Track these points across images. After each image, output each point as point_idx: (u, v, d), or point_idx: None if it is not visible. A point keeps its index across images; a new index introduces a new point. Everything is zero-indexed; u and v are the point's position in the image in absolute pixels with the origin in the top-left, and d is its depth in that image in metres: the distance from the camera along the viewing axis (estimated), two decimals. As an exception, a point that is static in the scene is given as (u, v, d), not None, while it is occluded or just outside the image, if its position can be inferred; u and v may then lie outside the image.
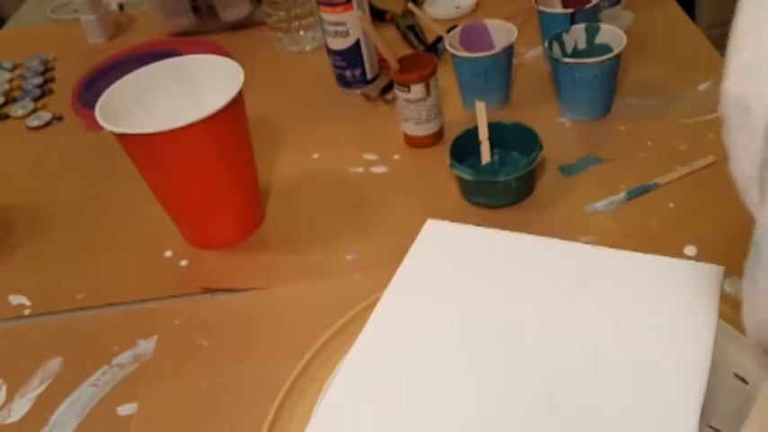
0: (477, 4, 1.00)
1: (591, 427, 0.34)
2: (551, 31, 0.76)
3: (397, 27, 0.97)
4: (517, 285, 0.42)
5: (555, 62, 0.72)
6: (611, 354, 0.37)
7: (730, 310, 0.49)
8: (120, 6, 1.20)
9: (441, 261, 0.44)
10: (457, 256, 0.44)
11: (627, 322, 0.39)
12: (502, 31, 0.78)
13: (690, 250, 0.58)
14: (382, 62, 0.87)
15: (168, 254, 0.68)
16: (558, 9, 0.80)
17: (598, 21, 0.78)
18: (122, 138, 0.58)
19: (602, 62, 0.69)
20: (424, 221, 0.66)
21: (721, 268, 0.41)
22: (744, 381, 0.46)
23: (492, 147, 0.67)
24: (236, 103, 0.60)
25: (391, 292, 0.43)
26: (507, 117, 0.70)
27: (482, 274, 0.43)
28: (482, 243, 0.45)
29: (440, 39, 0.89)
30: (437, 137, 0.75)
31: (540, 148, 0.65)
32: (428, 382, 0.37)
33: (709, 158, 0.67)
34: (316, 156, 0.78)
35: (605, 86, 0.72)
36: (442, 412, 0.36)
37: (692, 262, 0.42)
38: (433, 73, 0.71)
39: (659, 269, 0.41)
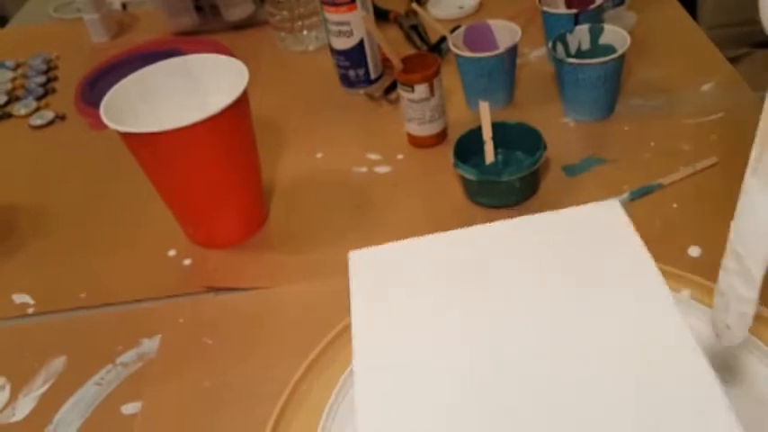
0: (481, 5, 1.00)
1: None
2: (555, 31, 0.76)
3: (401, 27, 0.97)
4: (472, 279, 0.42)
5: (559, 62, 0.72)
6: (587, 318, 0.38)
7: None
8: (123, 5, 1.20)
9: (387, 284, 0.43)
10: (398, 274, 0.44)
11: (582, 282, 0.40)
12: (505, 32, 0.78)
13: (694, 251, 0.58)
14: (386, 62, 0.87)
15: (172, 253, 0.68)
16: (562, 10, 0.80)
17: (602, 21, 0.79)
18: (127, 137, 0.59)
19: (605, 63, 0.69)
20: (427, 221, 0.66)
21: (616, 201, 0.45)
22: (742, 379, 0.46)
23: (496, 147, 0.67)
24: (241, 103, 0.60)
25: (357, 333, 0.41)
26: (511, 117, 0.70)
27: (434, 282, 0.42)
28: (413, 254, 0.45)
29: (443, 39, 0.89)
30: (441, 137, 0.75)
31: (544, 148, 0.65)
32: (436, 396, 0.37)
33: (713, 159, 0.67)
34: (319, 155, 0.78)
35: (609, 87, 0.72)
36: (458, 413, 0.36)
37: (591, 204, 0.46)
38: (437, 73, 0.71)
39: (573, 220, 0.44)
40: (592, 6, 0.78)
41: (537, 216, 0.45)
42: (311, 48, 0.98)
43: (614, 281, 0.40)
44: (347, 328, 0.53)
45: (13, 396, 0.57)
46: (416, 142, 0.76)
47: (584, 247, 0.43)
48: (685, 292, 0.51)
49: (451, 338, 0.39)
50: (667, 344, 0.36)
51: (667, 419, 0.33)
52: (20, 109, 0.95)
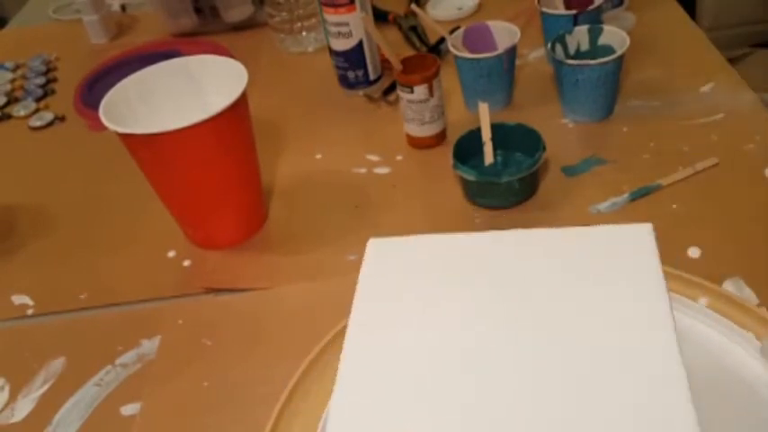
0: (480, 6, 1.00)
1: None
2: (554, 32, 0.76)
3: (400, 28, 0.98)
4: (480, 283, 0.42)
5: (558, 63, 0.72)
6: (582, 333, 0.38)
7: (730, 309, 0.49)
8: (123, 7, 1.21)
9: (397, 277, 0.43)
10: (411, 268, 0.44)
11: (586, 298, 0.39)
12: (504, 33, 0.78)
13: (693, 251, 0.58)
14: (385, 63, 0.87)
15: (171, 254, 0.68)
16: (561, 10, 0.81)
17: (601, 22, 0.79)
18: (126, 138, 0.59)
19: (604, 64, 0.69)
20: (426, 222, 0.66)
21: (649, 225, 0.43)
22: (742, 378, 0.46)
23: (495, 148, 0.67)
24: (240, 104, 0.60)
25: (355, 320, 0.41)
26: (510, 118, 0.70)
27: (442, 281, 0.42)
28: (431, 250, 0.45)
29: (442, 40, 0.89)
30: (440, 138, 0.75)
31: (543, 149, 0.65)
32: (423, 394, 0.37)
33: (712, 160, 0.67)
34: (318, 156, 0.78)
35: (608, 88, 0.72)
36: (443, 414, 0.36)
37: (622, 225, 0.43)
38: (436, 74, 0.71)
39: (597, 239, 0.43)
40: (591, 7, 0.78)
41: (564, 230, 0.44)
42: (310, 49, 0.98)
43: (620, 304, 0.39)
44: (346, 328, 0.53)
45: (13, 397, 0.57)
46: (416, 143, 0.76)
47: (602, 267, 0.41)
48: (702, 301, 0.51)
49: (444, 338, 0.39)
50: (653, 372, 0.35)
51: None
52: (19, 110, 0.95)
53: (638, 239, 0.42)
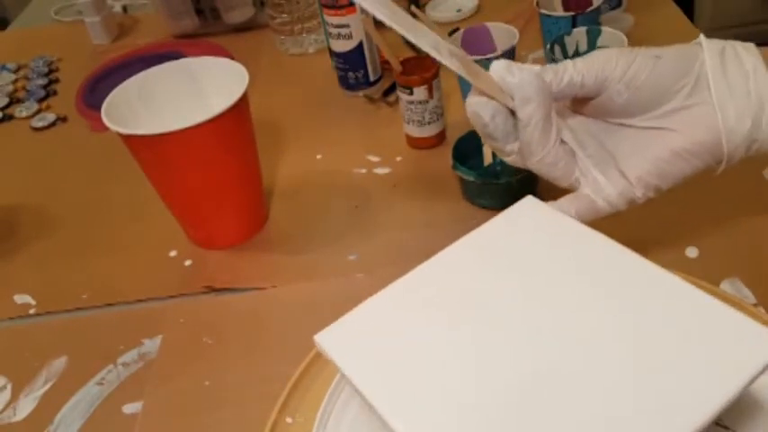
0: (479, 7, 1.01)
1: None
2: (553, 34, 0.76)
3: (400, 29, 0.98)
4: (568, 282, 0.41)
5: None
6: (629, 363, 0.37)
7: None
8: (124, 8, 1.21)
9: (514, 235, 0.45)
10: (533, 237, 0.45)
11: (660, 357, 0.37)
12: (503, 34, 0.78)
13: (691, 252, 0.59)
14: (385, 64, 0.87)
15: (173, 254, 0.68)
16: (560, 12, 0.81)
17: (599, 24, 0.79)
18: (128, 138, 0.59)
19: (603, 65, 0.69)
20: (426, 222, 0.67)
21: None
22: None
23: (494, 148, 0.68)
24: (241, 105, 0.61)
25: (455, 247, 0.44)
26: (509, 119, 0.70)
27: (544, 261, 0.43)
28: (563, 232, 0.45)
29: (442, 41, 0.90)
30: (439, 138, 0.76)
31: (542, 149, 0.65)
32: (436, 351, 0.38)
33: (710, 160, 0.67)
34: (319, 157, 0.78)
35: (606, 89, 0.72)
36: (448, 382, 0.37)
37: (760, 326, 0.37)
38: (436, 75, 0.72)
39: (719, 317, 0.38)
40: (589, 9, 0.78)
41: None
42: (311, 50, 0.98)
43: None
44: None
45: (14, 396, 0.57)
46: (415, 144, 0.76)
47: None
48: None
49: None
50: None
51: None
52: (21, 111, 0.96)
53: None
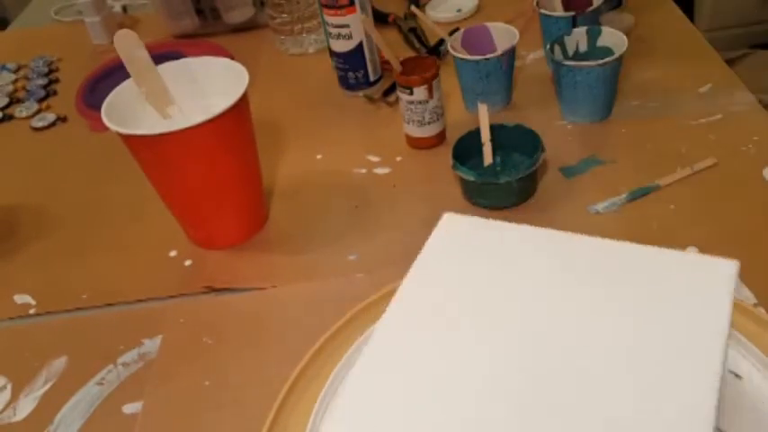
0: (479, 7, 1.01)
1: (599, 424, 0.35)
2: (553, 33, 0.76)
3: (400, 30, 0.98)
4: (532, 278, 0.42)
5: (556, 65, 0.72)
6: (621, 349, 0.37)
7: (734, 313, 0.49)
8: (124, 8, 1.21)
9: (457, 254, 0.45)
10: (474, 249, 0.44)
11: (639, 318, 0.39)
12: (503, 34, 0.79)
13: (691, 251, 0.59)
14: (385, 64, 0.87)
15: (173, 254, 0.68)
16: (560, 12, 0.81)
17: (599, 24, 0.79)
18: (128, 139, 0.59)
19: (603, 65, 0.69)
20: (426, 222, 0.66)
21: (734, 263, 0.40)
22: (737, 376, 0.46)
23: (494, 148, 0.68)
24: (241, 105, 0.61)
25: (407, 284, 0.43)
26: (509, 119, 0.71)
27: (499, 267, 0.43)
28: (499, 236, 0.45)
29: (442, 41, 0.90)
30: (439, 138, 0.76)
31: (542, 149, 0.65)
32: (442, 374, 0.38)
33: (710, 160, 0.67)
34: (319, 157, 0.78)
35: (606, 89, 0.72)
36: (456, 401, 0.37)
37: (704, 256, 0.41)
38: (436, 75, 0.72)
39: (671, 263, 0.41)
40: (589, 9, 0.78)
41: (643, 247, 0.43)
42: (311, 50, 0.98)
43: (672, 333, 0.38)
44: (342, 328, 0.53)
45: (14, 396, 0.57)
46: (415, 144, 0.76)
47: (668, 292, 0.40)
48: None
49: (484, 335, 0.39)
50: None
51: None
52: (21, 111, 0.96)
53: (717, 274, 0.40)
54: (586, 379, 0.36)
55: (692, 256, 0.42)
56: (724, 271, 0.40)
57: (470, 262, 0.44)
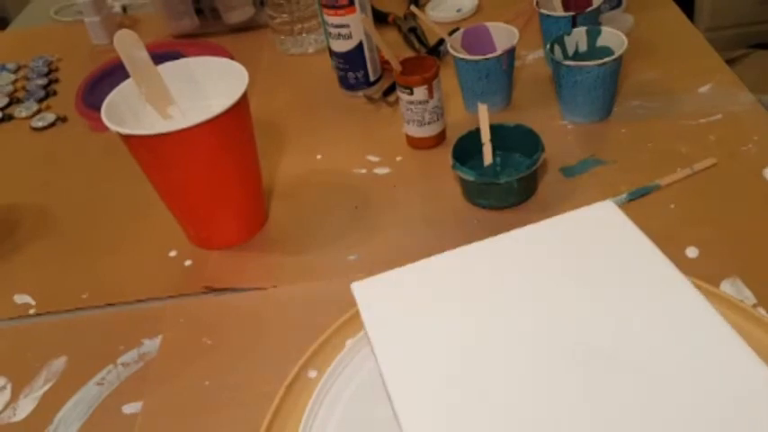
0: (479, 7, 1.01)
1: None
2: (553, 33, 0.76)
3: (399, 30, 0.98)
4: (482, 294, 0.42)
5: (556, 65, 0.72)
6: (622, 317, 0.39)
7: (732, 314, 0.49)
8: (124, 8, 1.21)
9: (400, 311, 0.42)
10: (410, 299, 0.43)
11: (597, 285, 0.41)
12: (503, 34, 0.79)
13: (691, 251, 0.59)
14: (385, 64, 0.87)
15: (173, 254, 0.68)
16: (560, 12, 0.81)
17: (599, 24, 0.79)
18: (128, 139, 0.59)
19: (603, 65, 0.69)
20: (426, 222, 0.67)
21: (607, 202, 0.45)
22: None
23: (494, 148, 0.68)
24: (241, 105, 0.61)
25: (383, 360, 0.40)
26: (509, 119, 0.71)
27: (448, 302, 0.42)
28: (419, 278, 0.44)
29: (442, 41, 0.90)
30: (439, 138, 0.76)
31: (542, 149, 0.65)
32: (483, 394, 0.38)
33: (710, 160, 0.67)
34: (319, 157, 0.78)
35: (606, 89, 0.72)
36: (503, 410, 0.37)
37: (586, 208, 0.45)
38: (436, 75, 0.72)
39: (572, 226, 0.44)
40: (589, 9, 0.78)
41: (535, 225, 0.45)
42: (310, 50, 0.98)
43: (632, 278, 0.40)
44: (341, 328, 0.53)
45: (14, 396, 0.57)
46: (415, 144, 0.76)
47: (593, 250, 0.42)
48: None
49: (481, 350, 0.39)
50: (701, 334, 0.37)
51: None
52: (21, 111, 0.96)
53: (608, 216, 0.45)
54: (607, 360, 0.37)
55: (573, 213, 0.45)
56: (609, 210, 0.45)
57: (420, 309, 0.42)
